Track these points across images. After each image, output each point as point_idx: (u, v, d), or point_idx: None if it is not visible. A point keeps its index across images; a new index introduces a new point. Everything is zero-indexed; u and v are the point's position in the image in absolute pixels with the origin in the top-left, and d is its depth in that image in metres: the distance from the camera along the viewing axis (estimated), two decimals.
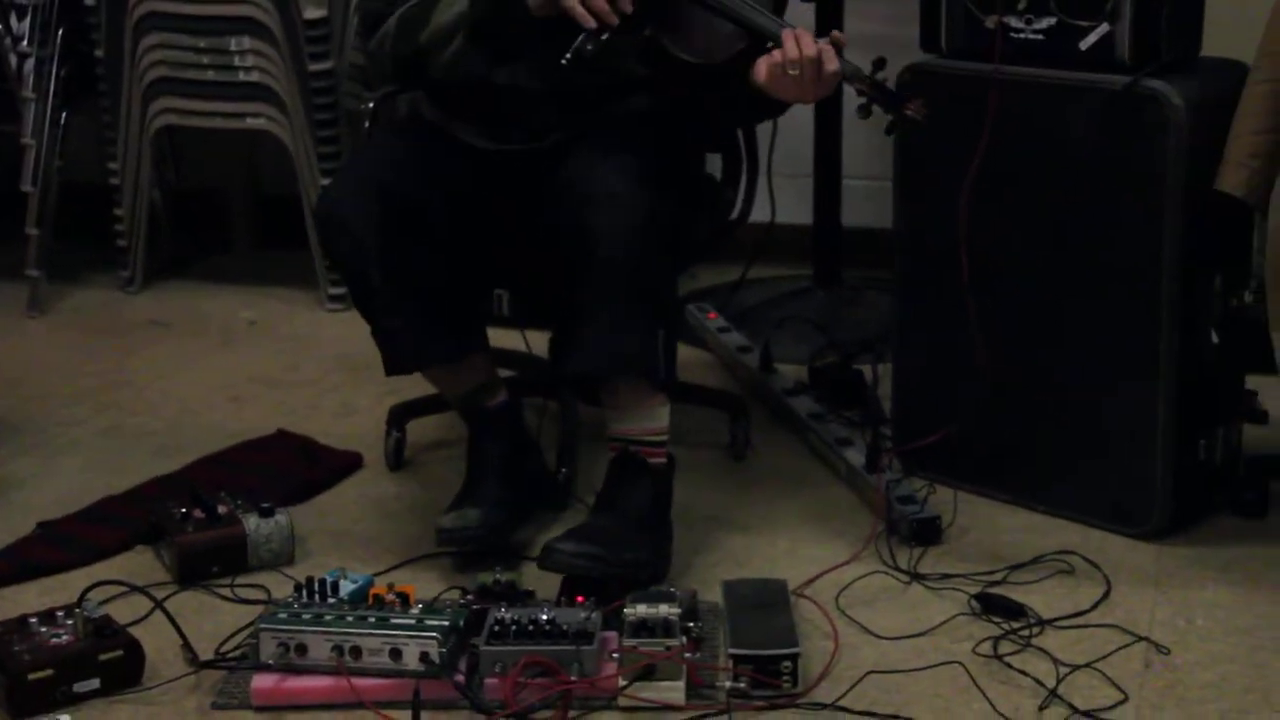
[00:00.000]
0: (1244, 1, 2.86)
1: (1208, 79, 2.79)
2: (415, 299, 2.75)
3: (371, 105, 3.15)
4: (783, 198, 3.53)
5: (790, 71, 2.58)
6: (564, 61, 2.60)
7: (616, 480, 2.76)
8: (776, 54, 2.60)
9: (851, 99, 2.67)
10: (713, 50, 2.70)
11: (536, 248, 2.79)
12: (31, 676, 2.37)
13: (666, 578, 2.72)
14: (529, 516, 2.91)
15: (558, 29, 2.62)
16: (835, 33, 2.66)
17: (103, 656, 2.42)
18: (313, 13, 3.96)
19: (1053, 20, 2.80)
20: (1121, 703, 2.37)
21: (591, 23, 2.59)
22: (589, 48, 2.61)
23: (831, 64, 2.58)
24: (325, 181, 3.84)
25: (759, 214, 3.18)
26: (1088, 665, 2.46)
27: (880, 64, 2.64)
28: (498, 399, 2.92)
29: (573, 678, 2.34)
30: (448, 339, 2.82)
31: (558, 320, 2.95)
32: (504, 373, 3.22)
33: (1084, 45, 2.78)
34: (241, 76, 4.07)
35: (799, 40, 2.59)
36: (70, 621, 2.47)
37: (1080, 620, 2.60)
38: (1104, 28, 2.76)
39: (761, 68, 2.61)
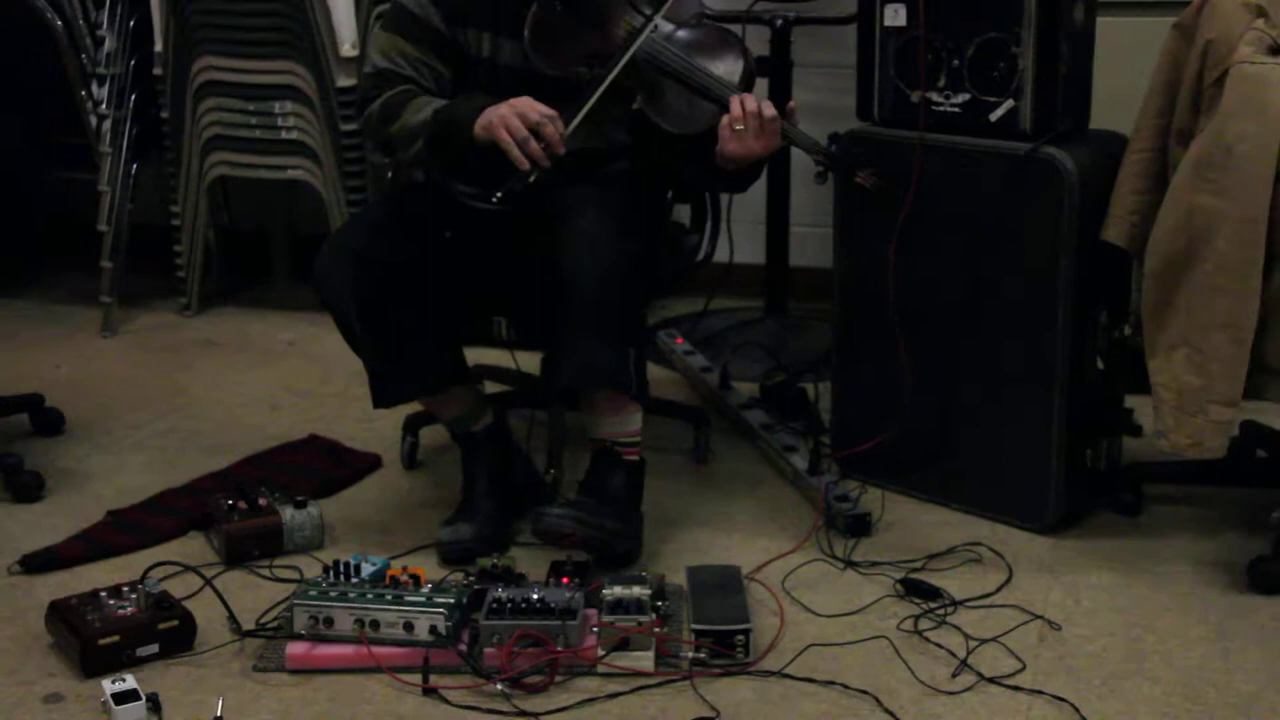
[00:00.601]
0: (1123, 84, 2.85)
1: (1095, 147, 2.79)
2: (394, 347, 2.68)
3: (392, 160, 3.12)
4: (740, 241, 3.53)
5: (736, 128, 2.54)
6: (494, 201, 2.48)
7: (596, 470, 2.73)
8: (725, 118, 2.56)
9: (799, 161, 2.62)
10: (690, 122, 2.65)
11: (526, 281, 2.74)
12: (101, 641, 2.38)
13: (639, 561, 2.71)
14: (521, 516, 2.86)
15: (501, 156, 2.51)
16: (790, 103, 2.65)
17: (161, 625, 2.43)
18: (344, 81, 3.94)
19: (967, 96, 2.80)
20: (1020, 671, 2.38)
21: (526, 165, 2.47)
22: (518, 188, 2.46)
23: (769, 109, 2.54)
24: None
25: (720, 255, 3.17)
26: (993, 639, 2.46)
27: (834, 138, 2.62)
28: (483, 422, 2.86)
29: (559, 648, 2.34)
30: (426, 378, 2.76)
31: (547, 342, 2.87)
32: (499, 388, 3.21)
33: (993, 117, 2.78)
34: (283, 135, 4.06)
35: (743, 102, 2.55)
36: (134, 595, 2.48)
37: (986, 601, 2.59)
38: (1010, 103, 2.76)
39: (720, 134, 2.58)
